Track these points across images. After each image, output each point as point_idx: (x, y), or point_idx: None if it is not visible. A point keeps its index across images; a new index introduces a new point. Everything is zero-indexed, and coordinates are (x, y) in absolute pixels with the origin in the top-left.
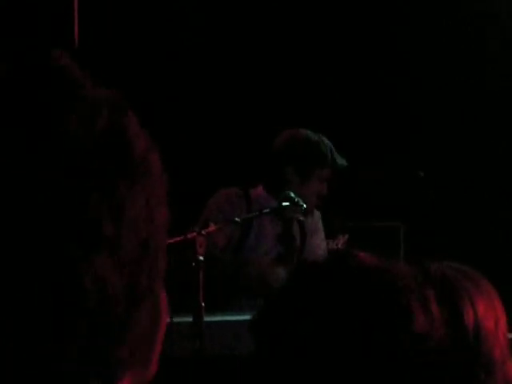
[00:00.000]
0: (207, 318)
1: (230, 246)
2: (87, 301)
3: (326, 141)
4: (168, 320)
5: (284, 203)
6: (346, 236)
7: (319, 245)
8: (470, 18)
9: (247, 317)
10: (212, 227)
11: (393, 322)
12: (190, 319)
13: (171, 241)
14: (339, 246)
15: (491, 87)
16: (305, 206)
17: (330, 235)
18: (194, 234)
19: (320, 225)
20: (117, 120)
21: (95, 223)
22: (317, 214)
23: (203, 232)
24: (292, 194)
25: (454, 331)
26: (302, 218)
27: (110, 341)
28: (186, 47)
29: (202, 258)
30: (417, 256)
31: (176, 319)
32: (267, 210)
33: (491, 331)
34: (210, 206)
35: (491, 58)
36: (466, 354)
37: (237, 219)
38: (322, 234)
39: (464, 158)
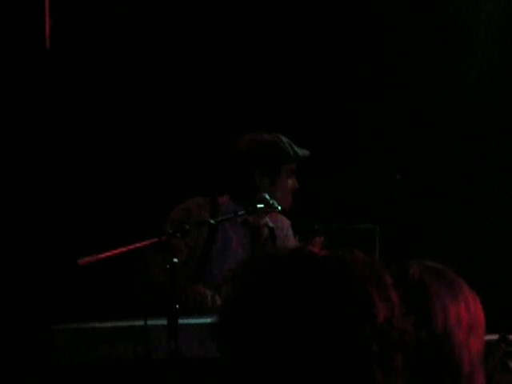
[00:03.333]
0: (182, 321)
1: (195, 252)
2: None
3: (283, 137)
4: (143, 322)
5: (259, 205)
6: (322, 238)
7: None
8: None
9: None
10: (186, 227)
11: (355, 312)
12: (165, 322)
13: (146, 243)
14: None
15: (469, 90)
16: (279, 207)
17: (304, 238)
18: (169, 236)
19: (290, 233)
20: None
21: None
22: (286, 222)
23: (178, 234)
24: (267, 196)
25: (422, 336)
26: (271, 225)
27: None
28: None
29: (176, 260)
30: (396, 257)
31: (151, 322)
32: (242, 212)
33: (461, 342)
34: (177, 212)
35: (468, 60)
36: (433, 361)
37: (211, 221)
38: (292, 243)
39: (439, 161)
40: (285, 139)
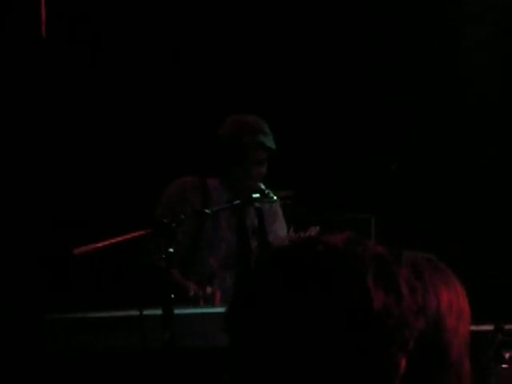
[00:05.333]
0: (177, 311)
1: (187, 237)
2: None
3: (260, 122)
4: (138, 312)
5: (254, 195)
6: (318, 228)
7: (280, 232)
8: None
9: (216, 309)
10: (181, 217)
11: (351, 302)
12: (160, 312)
13: (141, 233)
14: None
15: (463, 80)
16: (275, 197)
17: (301, 227)
18: (164, 225)
19: (278, 210)
20: None
21: None
22: (277, 207)
23: (173, 224)
24: (262, 186)
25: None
26: (258, 205)
27: None
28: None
29: (171, 250)
30: (389, 245)
31: (146, 312)
32: (238, 202)
33: (451, 328)
34: (171, 193)
35: (467, 54)
36: (423, 345)
37: (207, 211)
38: (281, 219)
39: (435, 151)
40: (259, 124)
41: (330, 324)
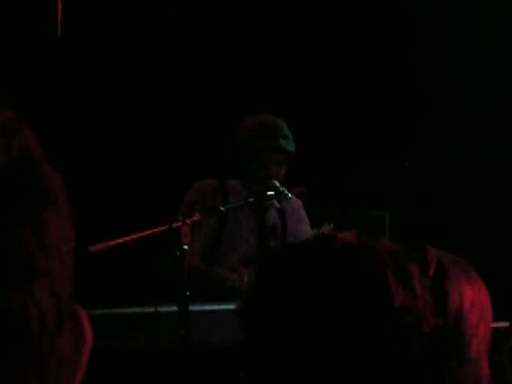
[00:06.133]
0: (192, 308)
1: (209, 236)
2: (31, 328)
3: (280, 123)
4: (153, 309)
5: (269, 192)
6: (331, 225)
7: (306, 233)
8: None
9: (232, 306)
10: (197, 216)
11: (372, 298)
12: (175, 308)
13: (156, 230)
14: None
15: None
16: (289, 194)
17: (314, 224)
18: (179, 223)
19: (303, 213)
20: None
21: (29, 256)
22: (297, 201)
23: (188, 221)
24: (277, 183)
25: (436, 310)
26: (278, 206)
27: (38, 367)
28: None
29: (186, 247)
30: (411, 241)
31: (161, 309)
32: (252, 199)
33: (472, 325)
34: (191, 195)
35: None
36: (443, 341)
37: (221, 208)
38: (307, 223)
39: (449, 148)
40: (279, 126)
41: (349, 320)
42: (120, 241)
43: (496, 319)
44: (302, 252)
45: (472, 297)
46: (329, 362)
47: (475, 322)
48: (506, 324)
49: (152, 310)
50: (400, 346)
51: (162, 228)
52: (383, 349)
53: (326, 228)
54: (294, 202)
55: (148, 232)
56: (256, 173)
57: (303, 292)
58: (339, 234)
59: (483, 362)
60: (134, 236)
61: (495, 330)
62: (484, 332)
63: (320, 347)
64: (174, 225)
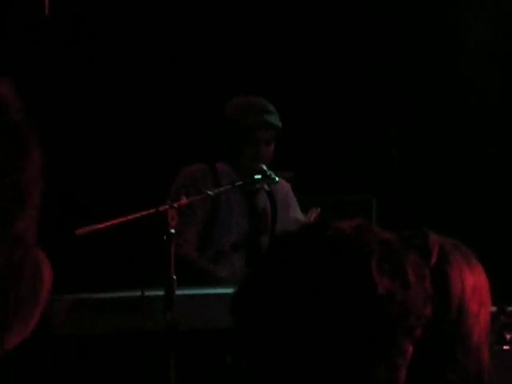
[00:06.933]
0: (179, 292)
1: (202, 221)
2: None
3: (265, 103)
4: (140, 294)
5: (256, 176)
6: (319, 209)
7: (295, 216)
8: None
9: (219, 290)
10: (184, 200)
11: (355, 286)
12: (162, 293)
13: (143, 214)
14: (311, 219)
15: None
16: (277, 178)
17: (302, 209)
18: (166, 207)
19: (291, 195)
20: None
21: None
22: (286, 185)
23: (175, 205)
24: (264, 167)
25: (439, 303)
26: (267, 188)
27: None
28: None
29: (173, 231)
30: (392, 229)
31: (148, 293)
32: (240, 183)
33: (474, 313)
34: (181, 181)
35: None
36: (447, 328)
37: (209, 192)
38: (296, 206)
39: (436, 133)
40: (264, 103)
41: (334, 308)
42: (107, 224)
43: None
44: (293, 242)
45: (474, 284)
46: (315, 350)
47: (476, 310)
48: (493, 309)
49: (138, 294)
50: (386, 336)
51: (149, 211)
52: (368, 340)
53: (314, 212)
54: (283, 186)
55: (135, 215)
56: (246, 152)
57: (293, 281)
58: (334, 222)
59: (484, 349)
60: (121, 219)
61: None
62: (484, 320)
63: (307, 335)
64: (161, 208)
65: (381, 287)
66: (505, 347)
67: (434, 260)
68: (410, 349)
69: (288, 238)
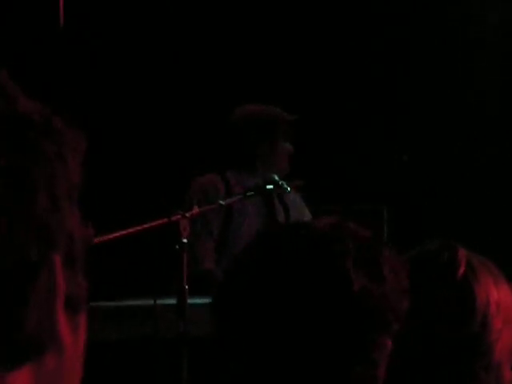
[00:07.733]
0: (191, 301)
1: (218, 230)
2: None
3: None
4: (152, 302)
5: (268, 186)
6: (302, 181)
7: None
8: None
9: None
10: (196, 210)
11: (332, 284)
12: (174, 301)
13: (155, 223)
14: None
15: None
16: (289, 188)
17: (312, 218)
18: (178, 216)
19: (303, 204)
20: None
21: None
22: (297, 196)
23: (187, 215)
24: (276, 177)
25: (462, 314)
26: (280, 192)
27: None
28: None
29: (185, 240)
30: (403, 237)
31: (160, 301)
32: (251, 193)
33: (497, 329)
34: (192, 190)
35: (475, 45)
36: (468, 340)
37: (221, 202)
38: (308, 215)
39: (448, 142)
40: (272, 107)
41: (311, 306)
42: (119, 234)
43: None
44: (268, 241)
45: (498, 301)
46: (295, 347)
47: (499, 326)
48: None
49: (151, 302)
50: (363, 332)
51: (162, 221)
52: (346, 336)
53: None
54: (294, 195)
55: (147, 225)
56: (263, 149)
57: (268, 281)
58: (312, 221)
59: (505, 368)
60: (133, 229)
61: None
62: (507, 339)
63: (284, 333)
64: (173, 218)
65: (357, 284)
66: None
67: (461, 273)
68: (389, 344)
69: (264, 237)
